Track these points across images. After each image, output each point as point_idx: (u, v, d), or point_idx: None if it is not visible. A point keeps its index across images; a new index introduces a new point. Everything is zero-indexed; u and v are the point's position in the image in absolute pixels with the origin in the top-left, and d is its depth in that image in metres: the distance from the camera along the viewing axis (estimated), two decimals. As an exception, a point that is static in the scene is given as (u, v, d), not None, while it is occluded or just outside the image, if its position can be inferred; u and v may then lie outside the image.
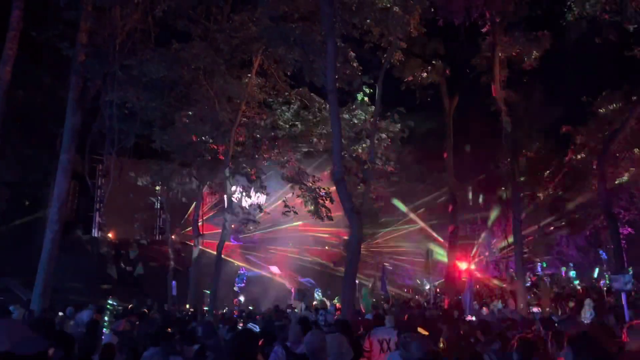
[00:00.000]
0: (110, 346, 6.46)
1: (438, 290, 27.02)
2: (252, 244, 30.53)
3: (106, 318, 9.96)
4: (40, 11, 16.71)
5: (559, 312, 16.21)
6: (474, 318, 11.06)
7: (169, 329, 10.31)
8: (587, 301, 14.35)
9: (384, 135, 17.27)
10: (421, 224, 32.15)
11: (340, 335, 5.94)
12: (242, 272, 22.09)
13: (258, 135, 19.41)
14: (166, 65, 15.69)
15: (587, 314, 13.11)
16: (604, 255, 28.50)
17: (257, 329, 7.95)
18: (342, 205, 11.91)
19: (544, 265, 27.49)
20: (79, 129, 16.34)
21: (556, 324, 9.85)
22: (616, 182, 27.00)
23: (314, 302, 22.05)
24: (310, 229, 27.88)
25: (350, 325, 8.97)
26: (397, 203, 30.73)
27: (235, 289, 21.03)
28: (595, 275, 27.32)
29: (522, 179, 28.98)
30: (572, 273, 28.61)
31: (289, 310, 16.43)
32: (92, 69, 15.84)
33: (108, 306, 11.17)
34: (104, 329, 8.39)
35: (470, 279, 15.47)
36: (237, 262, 26.50)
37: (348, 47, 15.83)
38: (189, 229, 24.65)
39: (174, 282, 19.81)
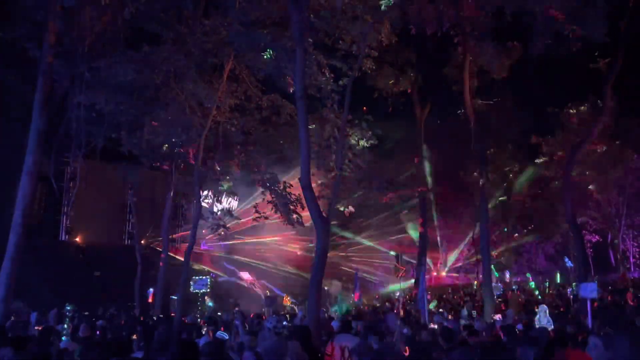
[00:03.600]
0: (62, 353, 6.34)
1: (408, 295, 27.15)
2: (223, 249, 30.33)
3: (65, 325, 9.75)
4: (6, 10, 16.37)
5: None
6: (435, 326, 11.07)
7: (135, 336, 10.22)
8: (541, 307, 13.88)
9: (353, 141, 17.22)
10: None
11: (294, 342, 5.93)
12: (204, 277, 21.78)
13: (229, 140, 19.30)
14: (135, 67, 15.50)
15: (542, 321, 12.82)
16: (569, 263, 28.97)
17: (226, 337, 7.89)
18: (309, 211, 11.92)
19: (496, 274, 27.79)
20: (45, 130, 16.02)
21: (517, 331, 10.05)
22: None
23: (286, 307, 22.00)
24: (282, 243, 27.92)
25: (309, 332, 8.98)
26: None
27: (207, 303, 20.71)
28: (558, 280, 27.78)
29: (494, 188, 29.45)
30: (533, 282, 29.03)
31: (235, 310, 16.41)
32: (59, 71, 15.57)
33: (66, 312, 10.94)
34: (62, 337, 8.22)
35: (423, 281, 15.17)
36: (207, 268, 26.28)
37: (319, 54, 15.83)
38: (158, 234, 24.36)
39: (150, 290, 19.59)
